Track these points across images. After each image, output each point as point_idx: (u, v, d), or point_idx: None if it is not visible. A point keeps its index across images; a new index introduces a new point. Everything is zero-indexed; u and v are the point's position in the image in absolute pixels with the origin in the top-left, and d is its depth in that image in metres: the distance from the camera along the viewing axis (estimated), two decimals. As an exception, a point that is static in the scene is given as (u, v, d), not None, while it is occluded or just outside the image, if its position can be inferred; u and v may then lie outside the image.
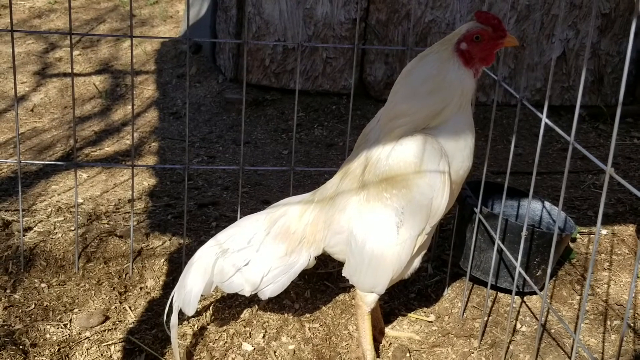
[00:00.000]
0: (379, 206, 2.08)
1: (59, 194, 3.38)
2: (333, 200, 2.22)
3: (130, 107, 4.78)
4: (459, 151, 2.07)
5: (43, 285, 2.64)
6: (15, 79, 2.54)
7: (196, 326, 2.47)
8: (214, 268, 2.24)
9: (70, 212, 3.15)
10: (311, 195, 2.33)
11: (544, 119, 1.99)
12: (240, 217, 2.46)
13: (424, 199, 2.03)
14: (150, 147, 4.15)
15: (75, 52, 5.76)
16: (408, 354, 2.38)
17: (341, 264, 2.29)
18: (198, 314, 2.52)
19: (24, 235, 2.86)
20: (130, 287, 2.67)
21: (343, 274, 2.26)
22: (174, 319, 2.22)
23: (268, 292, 2.24)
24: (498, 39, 2.07)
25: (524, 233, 2.13)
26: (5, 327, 2.39)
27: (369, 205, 2.11)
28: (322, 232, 2.23)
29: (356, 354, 2.37)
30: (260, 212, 2.36)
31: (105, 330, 2.42)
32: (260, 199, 3.45)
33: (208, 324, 2.49)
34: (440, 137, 2.05)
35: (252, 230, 2.28)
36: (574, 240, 3.06)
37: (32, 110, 4.70)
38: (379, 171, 2.07)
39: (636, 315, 2.58)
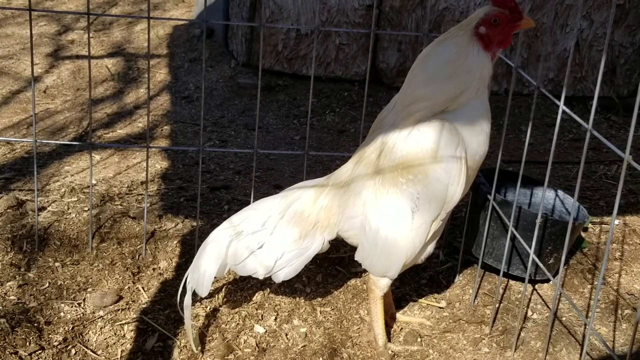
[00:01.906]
0: (394, 191, 2.09)
1: (72, 175, 3.40)
2: (347, 184, 2.23)
3: (142, 90, 4.79)
4: (475, 136, 2.08)
5: (57, 264, 2.66)
6: (32, 60, 2.55)
7: (209, 308, 2.49)
8: (227, 250, 2.25)
9: (84, 192, 3.17)
10: (325, 179, 2.34)
11: (562, 106, 1.99)
12: (253, 201, 2.47)
13: (440, 185, 2.04)
14: (162, 130, 4.16)
15: (88, 35, 5.77)
16: (419, 339, 2.39)
17: (353, 249, 2.30)
18: (210, 295, 2.54)
19: (38, 215, 2.88)
20: (144, 268, 2.68)
21: (356, 258, 2.27)
22: (188, 299, 2.23)
23: (282, 275, 2.26)
24: (515, 21, 2.08)
25: (538, 220, 2.14)
26: (20, 304, 2.41)
27: (384, 190, 2.11)
28: (336, 217, 2.24)
29: (367, 338, 2.39)
30: (275, 196, 2.37)
31: (118, 310, 2.44)
32: (272, 183, 3.46)
33: (220, 306, 2.50)
34: (457, 122, 2.05)
35: (266, 213, 2.29)
36: (585, 229, 3.06)
37: (44, 92, 4.71)
38: (395, 156, 2.08)
39: (647, 305, 2.59)
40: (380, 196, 2.13)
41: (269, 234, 2.26)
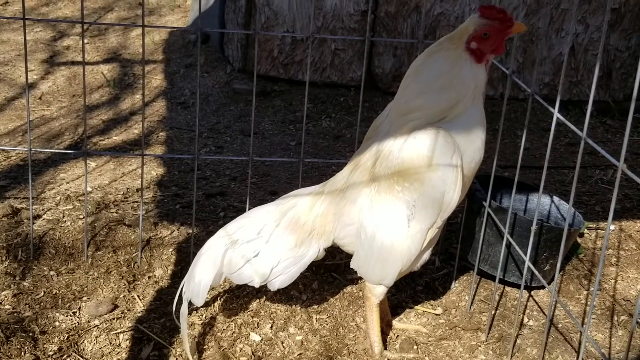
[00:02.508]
0: (390, 198, 2.09)
1: (67, 183, 3.39)
2: (343, 192, 2.22)
3: (138, 96, 4.78)
4: (471, 143, 2.07)
5: (52, 273, 2.65)
6: (26, 67, 2.55)
7: (204, 316, 2.48)
8: (223, 259, 2.24)
9: (79, 200, 3.16)
10: (321, 187, 2.34)
11: (556, 114, 1.99)
12: (249, 208, 2.47)
13: (436, 192, 2.03)
14: (158, 136, 4.16)
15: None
16: (415, 347, 2.39)
17: (349, 256, 2.29)
18: (206, 304, 2.53)
19: (33, 223, 2.87)
20: (139, 276, 2.68)
21: (351, 266, 2.27)
22: (184, 308, 2.23)
23: (277, 283, 2.25)
24: (506, 30, 2.08)
25: (533, 227, 2.14)
26: (15, 314, 2.40)
27: (380, 197, 2.11)
28: (332, 224, 2.24)
29: (364, 346, 2.38)
30: (270, 203, 2.37)
31: (114, 319, 2.43)
32: (268, 189, 3.46)
33: (216, 314, 2.50)
34: (453, 130, 2.05)
35: (261, 221, 2.29)
36: (581, 235, 3.06)
37: (40, 99, 4.71)
38: (391, 164, 2.07)
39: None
40: (376, 203, 2.12)
41: (264, 242, 2.25)
